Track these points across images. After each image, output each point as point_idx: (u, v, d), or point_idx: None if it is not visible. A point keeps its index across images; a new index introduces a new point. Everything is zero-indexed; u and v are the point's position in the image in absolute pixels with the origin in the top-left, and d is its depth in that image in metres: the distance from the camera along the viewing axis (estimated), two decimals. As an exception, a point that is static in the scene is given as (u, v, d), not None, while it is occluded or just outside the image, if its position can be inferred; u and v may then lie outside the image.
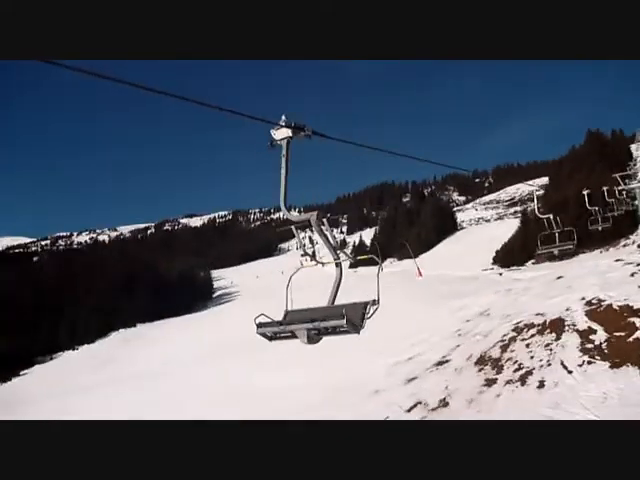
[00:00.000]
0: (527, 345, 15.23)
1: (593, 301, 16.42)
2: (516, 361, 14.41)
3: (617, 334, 13.64)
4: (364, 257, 6.22)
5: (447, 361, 16.68)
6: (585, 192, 20.38)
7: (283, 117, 4.78)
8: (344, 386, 17.33)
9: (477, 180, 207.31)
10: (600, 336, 13.86)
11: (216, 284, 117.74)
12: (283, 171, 5.04)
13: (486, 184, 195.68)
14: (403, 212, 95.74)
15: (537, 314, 17.49)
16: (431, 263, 64.90)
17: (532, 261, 49.09)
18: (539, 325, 16.29)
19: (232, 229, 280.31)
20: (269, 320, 4.79)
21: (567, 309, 16.61)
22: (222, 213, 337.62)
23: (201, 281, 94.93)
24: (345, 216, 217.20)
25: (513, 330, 16.98)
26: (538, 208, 19.00)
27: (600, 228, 18.95)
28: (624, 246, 42.01)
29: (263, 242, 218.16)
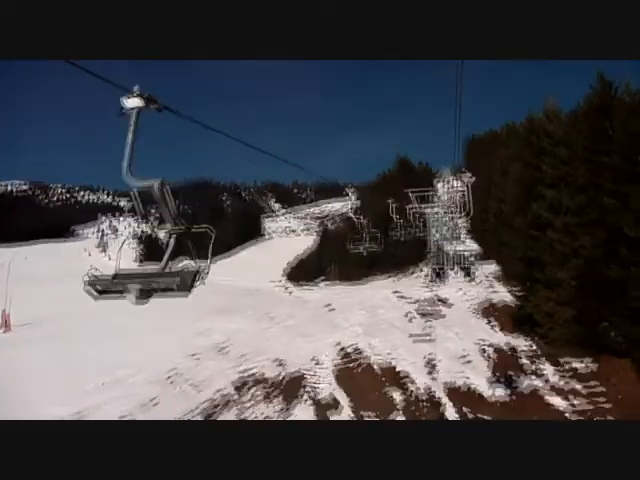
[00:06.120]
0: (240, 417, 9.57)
1: (349, 349, 11.58)
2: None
3: (366, 414, 8.66)
4: (200, 229, 5.57)
5: (118, 432, 10.19)
6: (390, 202, 19.95)
7: (136, 87, 4.84)
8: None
9: (295, 191, 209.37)
10: (343, 417, 8.75)
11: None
12: (129, 141, 5.12)
13: (303, 196, 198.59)
14: (207, 210, 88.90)
15: (276, 361, 12.12)
16: (223, 268, 59.11)
17: (323, 278, 46.10)
18: (271, 384, 10.83)
19: (26, 203, 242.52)
20: (100, 274, 4.94)
21: (314, 359, 11.51)
22: (17, 182, 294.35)
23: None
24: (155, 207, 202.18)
25: (235, 383, 11.30)
26: (353, 210, 17.89)
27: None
28: (412, 273, 40.67)
29: (57, 222, 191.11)
